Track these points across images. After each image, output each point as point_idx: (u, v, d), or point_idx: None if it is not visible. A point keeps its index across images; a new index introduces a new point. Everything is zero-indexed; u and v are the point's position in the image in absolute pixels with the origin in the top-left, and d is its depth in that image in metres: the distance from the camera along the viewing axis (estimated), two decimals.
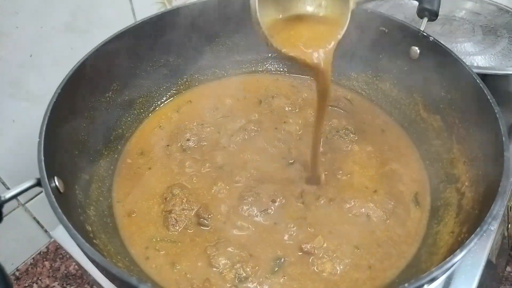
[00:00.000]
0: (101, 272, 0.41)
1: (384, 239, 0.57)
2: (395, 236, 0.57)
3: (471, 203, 0.51)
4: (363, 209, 0.61)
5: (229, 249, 0.54)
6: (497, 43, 1.13)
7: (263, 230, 0.59)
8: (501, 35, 1.18)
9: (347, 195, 0.63)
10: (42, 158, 0.44)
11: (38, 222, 0.92)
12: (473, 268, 0.66)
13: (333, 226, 0.58)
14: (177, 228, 0.58)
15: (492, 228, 0.71)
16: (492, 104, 0.52)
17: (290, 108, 0.79)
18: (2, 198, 0.40)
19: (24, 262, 0.92)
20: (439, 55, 0.64)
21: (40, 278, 0.92)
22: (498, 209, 0.71)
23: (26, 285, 0.91)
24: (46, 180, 0.42)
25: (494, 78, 1.10)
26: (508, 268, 0.93)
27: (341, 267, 0.54)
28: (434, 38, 0.66)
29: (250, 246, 0.55)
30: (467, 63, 1.01)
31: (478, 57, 1.08)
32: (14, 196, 0.42)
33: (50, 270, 0.94)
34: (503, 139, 0.48)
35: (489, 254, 0.70)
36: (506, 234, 0.87)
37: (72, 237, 0.39)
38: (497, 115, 0.51)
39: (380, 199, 0.62)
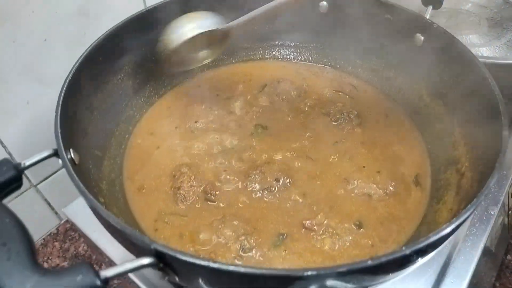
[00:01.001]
0: (113, 235, 0.44)
1: (385, 215, 0.59)
2: (396, 213, 0.59)
3: (470, 181, 0.53)
4: (365, 189, 0.63)
5: (234, 222, 0.56)
6: (502, 35, 1.14)
7: (267, 207, 0.61)
8: (507, 27, 1.18)
9: (350, 175, 0.65)
10: (59, 130, 0.47)
11: (49, 204, 0.94)
12: (472, 250, 0.67)
13: (335, 204, 0.61)
14: (185, 203, 0.60)
15: (492, 213, 0.73)
16: (492, 86, 0.54)
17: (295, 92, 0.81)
18: (22, 165, 0.43)
19: (35, 242, 0.95)
20: (442, 41, 0.66)
21: (50, 258, 0.95)
22: (499, 192, 0.74)
23: None
24: (63, 150, 0.45)
25: (499, 69, 1.11)
26: (509, 257, 0.94)
27: (340, 243, 0.56)
28: (438, 24, 0.67)
29: (254, 221, 0.58)
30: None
31: (483, 49, 1.09)
32: (33, 164, 0.44)
33: (60, 251, 0.96)
34: (502, 118, 0.49)
35: (488, 239, 0.71)
36: (506, 222, 0.88)
37: (87, 201, 0.41)
38: (497, 97, 0.52)
39: (382, 180, 0.64)
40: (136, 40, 0.73)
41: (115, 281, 0.87)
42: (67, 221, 0.99)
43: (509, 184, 0.77)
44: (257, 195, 0.62)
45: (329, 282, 0.36)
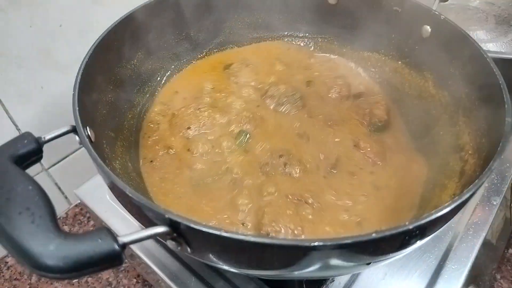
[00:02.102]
0: (127, 207, 0.45)
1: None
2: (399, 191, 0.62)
3: (473, 167, 0.54)
4: (369, 179, 0.65)
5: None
6: (509, 32, 1.15)
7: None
8: None
9: (353, 168, 0.67)
10: (77, 108, 0.49)
11: (59, 188, 0.97)
12: (474, 238, 0.69)
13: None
14: None
15: (494, 203, 0.74)
16: (497, 75, 0.55)
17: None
18: (43, 139, 0.45)
19: None
20: (449, 33, 0.67)
21: None
22: (502, 184, 0.75)
23: None
24: (81, 126, 0.47)
25: (505, 64, 1.12)
26: (510, 250, 0.95)
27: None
28: (445, 17, 0.68)
29: None
30: None
31: (490, 44, 1.10)
32: (53, 138, 0.46)
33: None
34: (506, 106, 0.51)
35: (489, 230, 0.72)
36: (508, 215, 0.90)
37: (104, 175, 0.43)
38: (502, 86, 0.53)
39: (386, 170, 0.66)
40: (149, 27, 0.75)
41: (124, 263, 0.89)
42: (76, 205, 1.01)
43: (511, 177, 0.78)
44: None
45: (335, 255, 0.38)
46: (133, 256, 0.70)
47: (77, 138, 0.49)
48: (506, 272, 0.92)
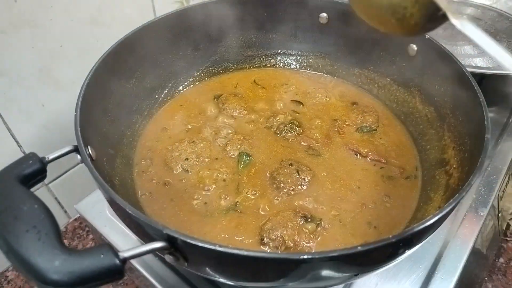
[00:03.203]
0: (126, 223, 0.48)
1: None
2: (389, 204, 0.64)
3: (457, 181, 0.57)
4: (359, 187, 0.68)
5: None
6: None
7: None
8: (500, 39, 1.23)
9: (344, 175, 0.69)
10: (79, 128, 0.51)
11: (59, 202, 0.98)
12: (462, 249, 0.71)
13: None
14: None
15: (481, 214, 0.77)
16: (478, 93, 0.58)
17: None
18: (46, 159, 0.47)
19: None
20: (434, 52, 0.70)
21: None
22: (489, 195, 0.78)
23: None
24: (83, 146, 0.49)
25: (491, 78, 1.16)
26: (501, 259, 0.98)
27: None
28: (430, 36, 0.72)
29: None
30: (467, 64, 1.08)
31: (477, 59, 1.14)
32: (55, 158, 0.49)
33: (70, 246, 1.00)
34: (486, 123, 0.54)
35: (478, 239, 0.75)
36: (497, 225, 0.92)
37: (105, 192, 0.45)
38: (482, 103, 0.56)
39: (376, 181, 0.68)
40: (148, 48, 0.78)
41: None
42: (76, 219, 1.03)
43: (498, 188, 0.81)
44: None
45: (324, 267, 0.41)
46: (132, 269, 0.72)
47: (78, 156, 0.51)
48: (497, 281, 0.94)
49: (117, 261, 0.37)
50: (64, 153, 0.50)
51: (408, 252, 0.47)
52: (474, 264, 0.81)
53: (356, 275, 0.45)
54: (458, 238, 0.72)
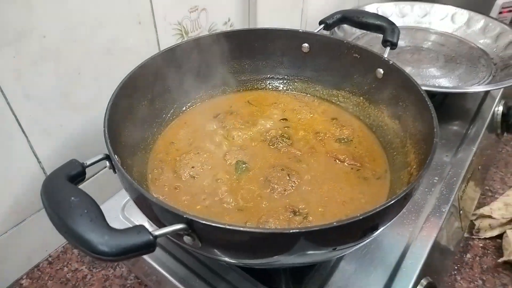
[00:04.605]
0: (148, 214, 0.59)
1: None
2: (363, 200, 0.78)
3: (415, 179, 0.70)
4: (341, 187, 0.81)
5: None
6: (456, 69, 1.37)
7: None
8: (460, 62, 1.41)
9: (327, 178, 0.82)
10: (108, 139, 0.63)
11: None
12: (427, 238, 0.84)
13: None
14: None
15: (443, 210, 0.90)
16: (430, 107, 0.72)
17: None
18: (85, 164, 0.59)
19: (55, 249, 1.07)
20: (396, 74, 0.85)
21: (69, 262, 1.05)
22: (450, 194, 0.91)
23: (58, 268, 1.04)
24: (113, 154, 0.61)
25: (453, 96, 1.33)
26: (468, 255, 1.10)
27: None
28: (393, 61, 0.87)
29: None
30: (431, 84, 1.25)
31: (441, 80, 1.30)
32: (92, 164, 0.60)
33: (79, 256, 1.07)
34: (435, 130, 0.67)
35: (441, 232, 0.88)
36: (461, 225, 1.06)
37: (134, 190, 0.57)
38: (432, 115, 0.70)
39: (353, 181, 0.82)
40: (155, 75, 0.90)
41: (131, 280, 1.00)
42: None
43: (457, 188, 0.95)
44: None
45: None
46: (144, 266, 0.82)
47: (107, 163, 0.63)
48: (465, 274, 1.07)
49: (151, 237, 0.49)
50: (97, 160, 0.61)
51: (376, 232, 0.60)
52: (442, 257, 0.94)
53: (334, 249, 0.57)
54: (423, 230, 0.85)
